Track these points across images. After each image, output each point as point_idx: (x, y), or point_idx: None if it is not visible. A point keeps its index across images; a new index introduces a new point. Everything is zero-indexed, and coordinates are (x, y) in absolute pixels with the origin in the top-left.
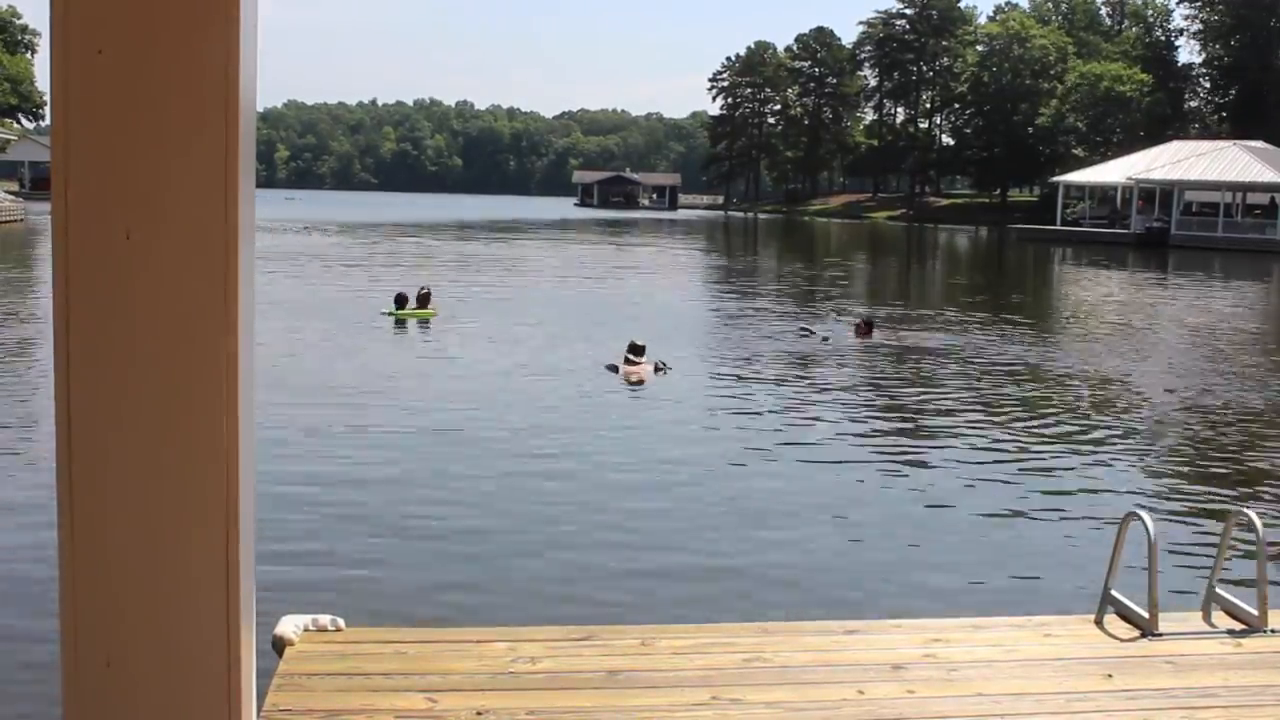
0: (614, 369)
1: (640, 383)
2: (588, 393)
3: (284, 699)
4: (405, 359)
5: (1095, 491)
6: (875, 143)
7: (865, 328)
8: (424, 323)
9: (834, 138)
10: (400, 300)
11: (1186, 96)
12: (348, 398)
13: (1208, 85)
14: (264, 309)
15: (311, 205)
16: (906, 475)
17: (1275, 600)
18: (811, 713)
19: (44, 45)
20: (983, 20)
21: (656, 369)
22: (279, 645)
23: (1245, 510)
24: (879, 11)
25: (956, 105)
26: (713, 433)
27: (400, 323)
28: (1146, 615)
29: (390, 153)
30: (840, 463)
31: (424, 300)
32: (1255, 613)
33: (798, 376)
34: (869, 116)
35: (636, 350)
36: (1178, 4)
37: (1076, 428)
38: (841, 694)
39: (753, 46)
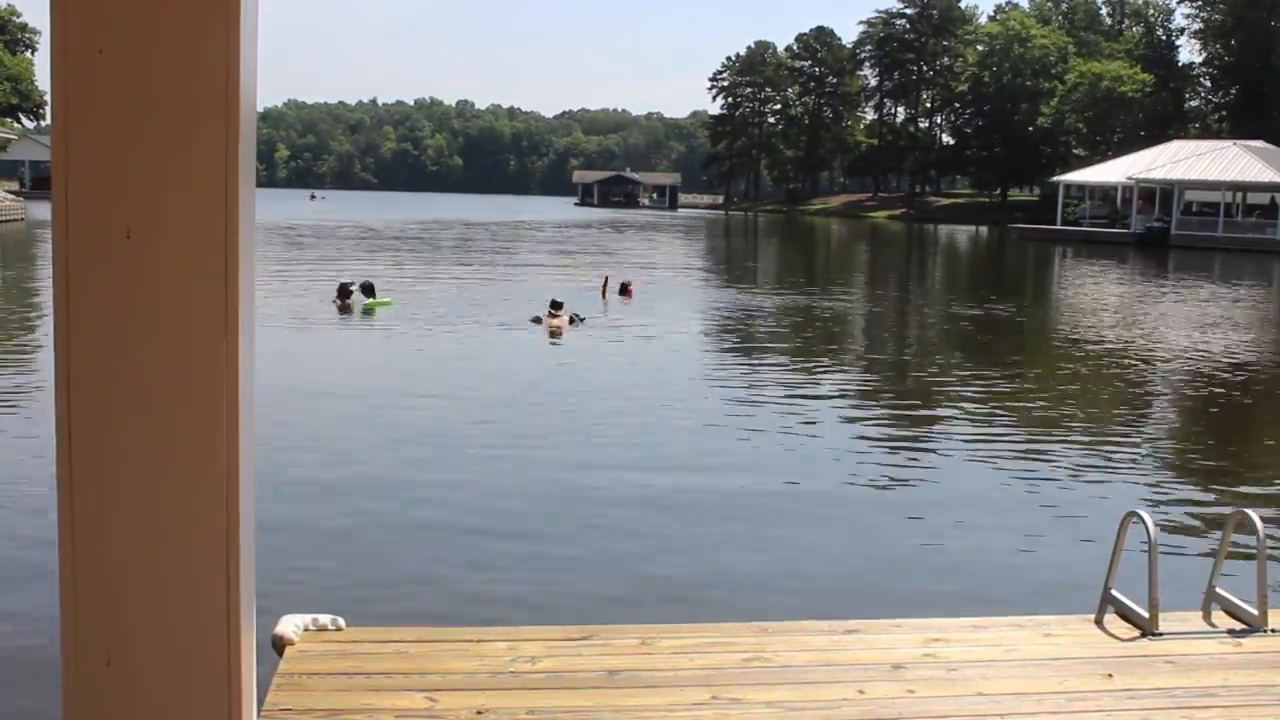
0: (538, 320)
1: (559, 332)
2: (547, 358)
3: (284, 699)
4: (379, 349)
5: (1095, 491)
6: (875, 142)
7: (623, 289)
8: (368, 311)
9: (834, 137)
10: (367, 289)
11: (1187, 96)
12: (339, 393)
13: (1208, 85)
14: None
15: (341, 204)
16: (903, 473)
17: (1275, 600)
18: (811, 712)
19: (44, 45)
20: (983, 20)
21: (571, 320)
22: (279, 645)
23: (1245, 510)
24: (879, 11)
25: (957, 105)
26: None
27: (368, 311)
28: (1146, 615)
29: (390, 152)
30: (837, 458)
31: (369, 289)
32: (1255, 613)
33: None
34: (869, 116)
35: (556, 305)
36: (1178, 4)
37: (1076, 427)
38: (841, 694)
39: (753, 46)
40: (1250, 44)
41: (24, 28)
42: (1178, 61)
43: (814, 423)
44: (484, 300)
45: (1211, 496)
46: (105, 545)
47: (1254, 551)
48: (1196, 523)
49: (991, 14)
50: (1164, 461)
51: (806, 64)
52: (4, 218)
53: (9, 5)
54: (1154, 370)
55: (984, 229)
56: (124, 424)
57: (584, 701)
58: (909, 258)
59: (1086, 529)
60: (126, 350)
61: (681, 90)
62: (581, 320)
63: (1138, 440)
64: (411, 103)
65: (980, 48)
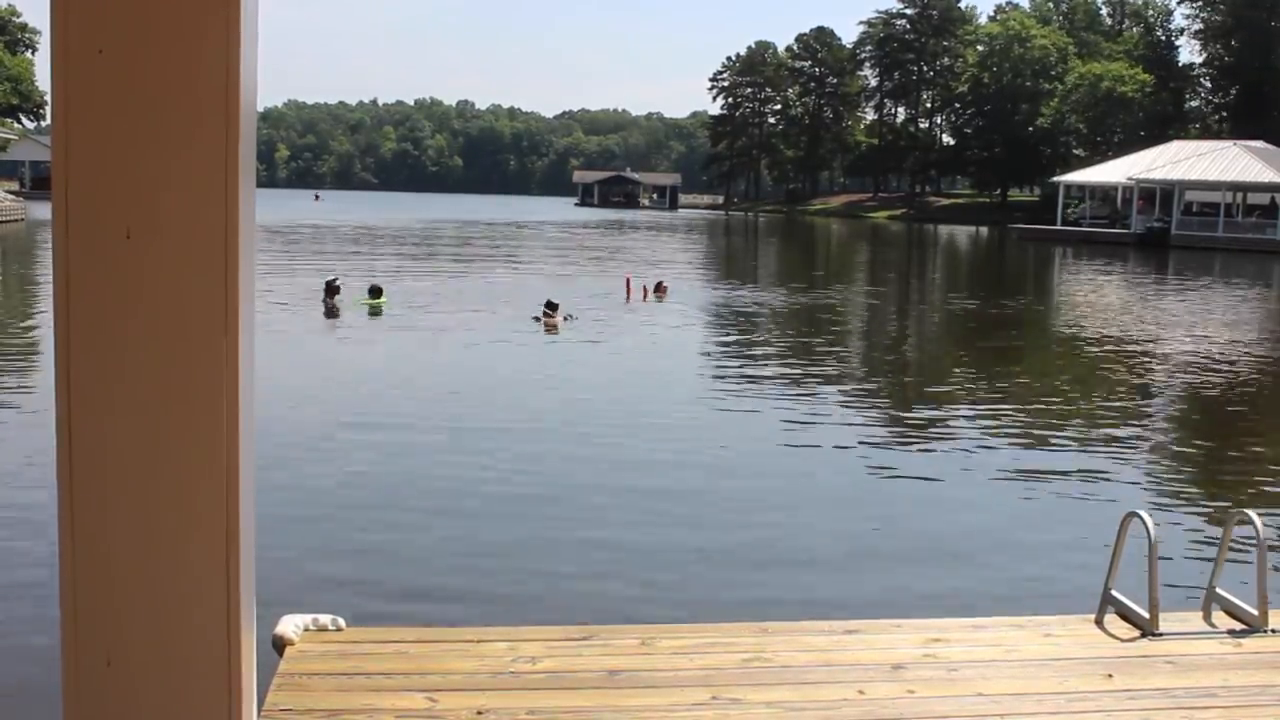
0: (537, 319)
1: (555, 329)
2: (549, 363)
3: (284, 699)
4: (377, 349)
5: (1095, 491)
6: (876, 142)
7: (657, 288)
8: (375, 311)
9: (834, 137)
10: (375, 291)
11: (1187, 96)
12: (338, 393)
13: (1208, 85)
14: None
15: (342, 204)
16: (903, 472)
17: (1275, 600)
18: (811, 713)
19: (44, 45)
20: (983, 20)
21: (565, 318)
22: (279, 645)
23: (1245, 510)
24: (879, 11)
25: (957, 105)
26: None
27: (375, 312)
28: (1146, 615)
29: (390, 152)
30: (837, 457)
31: (376, 292)
32: (1255, 613)
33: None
34: (869, 116)
35: (551, 306)
36: (1178, 4)
37: (1076, 427)
38: (841, 694)
39: (753, 46)
40: (1250, 44)
41: (24, 28)
42: (1178, 62)
43: (815, 421)
44: (485, 300)
45: (1211, 496)
46: (105, 545)
47: (1254, 552)
48: (1196, 523)
49: (991, 14)
50: (1164, 461)
51: (806, 64)
52: (4, 218)
53: (9, 5)
54: (1154, 370)
55: (984, 229)
56: (124, 424)
57: (584, 702)
58: (909, 258)
59: (1086, 529)
60: (126, 350)
61: (681, 90)
62: (574, 318)
63: (1138, 440)
64: (411, 103)
65: (980, 48)
